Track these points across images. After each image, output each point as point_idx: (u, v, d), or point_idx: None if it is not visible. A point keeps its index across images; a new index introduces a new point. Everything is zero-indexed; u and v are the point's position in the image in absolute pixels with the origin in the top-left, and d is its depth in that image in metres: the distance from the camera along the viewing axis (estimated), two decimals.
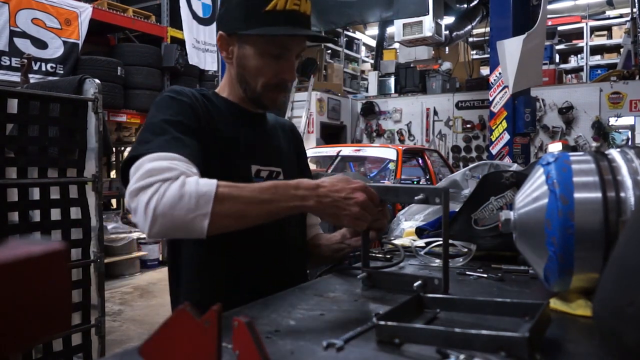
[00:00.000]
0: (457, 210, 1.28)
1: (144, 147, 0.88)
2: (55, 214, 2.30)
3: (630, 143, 8.24)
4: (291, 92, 9.42)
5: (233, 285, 1.03)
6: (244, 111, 1.13)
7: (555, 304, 0.80)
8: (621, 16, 11.24)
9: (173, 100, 0.99)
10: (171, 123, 0.94)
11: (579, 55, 11.36)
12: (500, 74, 5.71)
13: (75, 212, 2.37)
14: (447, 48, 9.69)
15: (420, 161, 5.96)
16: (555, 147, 5.84)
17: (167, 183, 0.81)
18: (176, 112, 0.97)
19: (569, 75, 11.11)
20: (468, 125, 9.16)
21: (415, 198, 0.87)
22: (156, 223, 0.79)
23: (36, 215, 2.30)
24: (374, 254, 1.21)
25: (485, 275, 1.04)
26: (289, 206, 0.85)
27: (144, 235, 1.12)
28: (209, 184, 0.82)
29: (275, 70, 1.05)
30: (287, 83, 1.08)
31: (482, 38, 9.40)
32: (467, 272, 1.07)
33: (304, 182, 0.87)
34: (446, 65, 10.14)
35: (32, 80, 3.87)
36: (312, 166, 6.84)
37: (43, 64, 5.48)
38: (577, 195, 0.75)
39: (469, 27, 8.95)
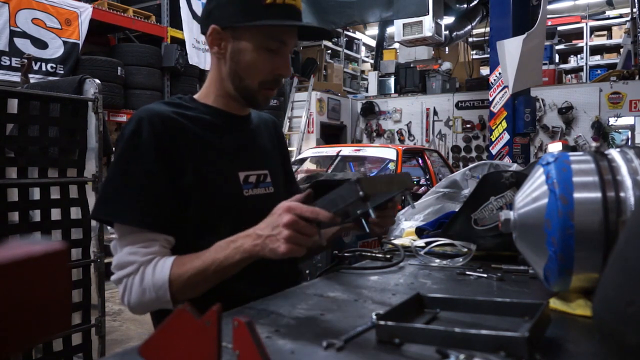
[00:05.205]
0: (457, 210, 1.28)
1: (112, 207, 0.98)
2: (56, 214, 2.30)
3: (629, 143, 8.26)
4: (291, 92, 9.43)
5: (226, 290, 1.01)
6: (227, 115, 1.11)
7: (555, 304, 0.80)
8: (621, 16, 11.24)
9: (132, 149, 0.97)
10: (135, 178, 0.96)
11: (578, 55, 11.35)
12: (500, 74, 5.71)
13: (75, 212, 2.36)
14: (447, 48, 9.69)
15: (420, 161, 5.95)
16: (555, 147, 5.84)
17: (131, 278, 0.95)
18: (138, 161, 0.97)
19: (569, 75, 11.11)
20: (468, 125, 9.17)
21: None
22: (135, 311, 0.97)
23: (36, 215, 2.29)
24: (374, 254, 1.21)
25: (485, 275, 1.04)
26: (235, 260, 0.90)
27: None
28: (163, 272, 0.93)
29: (272, 66, 1.04)
30: (282, 79, 1.08)
31: (482, 38, 9.39)
32: (467, 272, 1.07)
33: (240, 235, 0.91)
34: (446, 65, 10.14)
35: (32, 80, 3.87)
36: (312, 166, 6.83)
37: (43, 64, 5.48)
38: (577, 195, 0.75)
39: (469, 27, 8.95)
